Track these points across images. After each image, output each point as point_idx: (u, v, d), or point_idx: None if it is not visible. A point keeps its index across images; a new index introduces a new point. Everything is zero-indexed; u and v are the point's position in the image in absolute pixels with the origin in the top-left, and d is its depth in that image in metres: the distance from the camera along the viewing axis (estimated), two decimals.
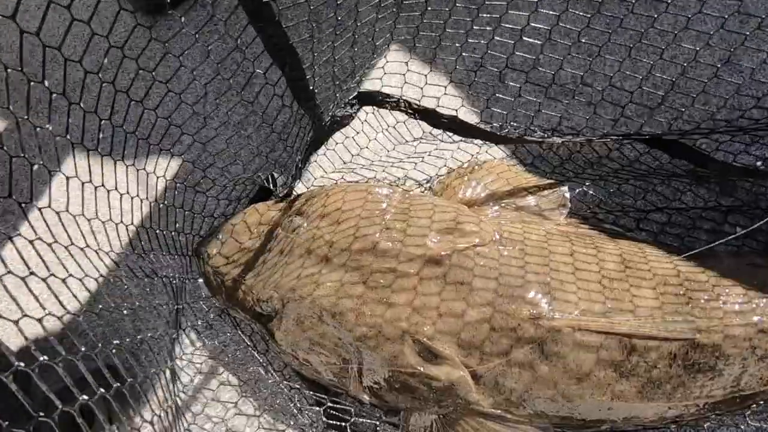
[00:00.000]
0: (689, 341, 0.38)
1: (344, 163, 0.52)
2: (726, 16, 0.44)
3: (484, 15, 0.46)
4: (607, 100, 0.49)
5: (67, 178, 0.34)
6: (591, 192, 0.49)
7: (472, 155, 0.52)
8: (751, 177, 0.49)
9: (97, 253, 0.36)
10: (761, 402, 0.40)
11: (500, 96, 0.51)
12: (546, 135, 0.48)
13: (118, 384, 0.32)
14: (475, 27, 0.47)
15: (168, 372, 0.43)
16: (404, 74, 0.51)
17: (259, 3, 0.35)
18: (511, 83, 0.52)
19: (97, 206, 0.37)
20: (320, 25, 0.44)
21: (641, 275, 0.42)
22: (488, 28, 0.49)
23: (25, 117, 0.28)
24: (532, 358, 0.39)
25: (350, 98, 0.50)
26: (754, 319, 0.39)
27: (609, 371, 0.39)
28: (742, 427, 0.41)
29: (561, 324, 0.39)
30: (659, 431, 0.42)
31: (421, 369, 0.40)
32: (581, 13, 0.43)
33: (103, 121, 0.35)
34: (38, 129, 0.29)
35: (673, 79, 0.44)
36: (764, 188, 0.49)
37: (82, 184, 0.35)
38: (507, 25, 0.46)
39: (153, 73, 0.38)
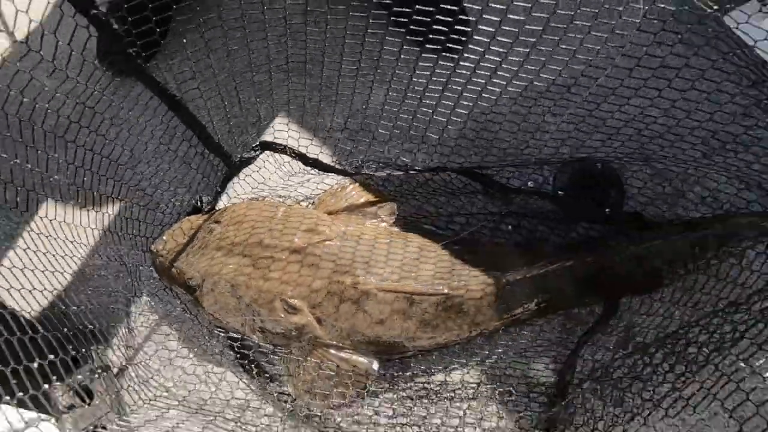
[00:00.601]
0: (445, 295, 0.63)
1: (252, 188, 0.77)
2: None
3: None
4: (432, 141, 0.73)
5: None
6: (415, 203, 0.74)
7: (337, 182, 0.77)
8: (518, 193, 0.74)
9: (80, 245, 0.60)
10: (488, 331, 0.64)
11: (361, 141, 0.76)
12: (380, 167, 0.72)
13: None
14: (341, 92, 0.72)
15: (125, 329, 0.67)
16: (286, 127, 0.76)
17: (172, 98, 0.59)
18: (371, 131, 0.77)
19: (79, 217, 0.61)
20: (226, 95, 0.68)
21: (428, 257, 0.66)
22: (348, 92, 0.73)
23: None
24: (354, 309, 0.64)
25: (255, 145, 0.75)
26: (489, 280, 0.64)
27: (398, 316, 0.63)
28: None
29: (369, 287, 0.63)
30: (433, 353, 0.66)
31: (284, 316, 0.64)
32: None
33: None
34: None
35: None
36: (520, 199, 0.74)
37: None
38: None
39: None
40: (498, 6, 0.49)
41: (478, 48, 0.56)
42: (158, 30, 0.58)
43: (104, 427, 0.53)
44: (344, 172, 0.73)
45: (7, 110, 0.48)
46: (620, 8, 0.49)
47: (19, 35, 0.46)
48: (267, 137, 0.76)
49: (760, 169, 0.57)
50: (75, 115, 0.58)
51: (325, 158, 0.75)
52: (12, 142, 0.51)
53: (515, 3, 0.48)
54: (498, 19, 0.49)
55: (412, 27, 0.56)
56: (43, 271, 0.56)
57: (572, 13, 0.47)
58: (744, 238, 0.57)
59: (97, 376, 0.60)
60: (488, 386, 0.66)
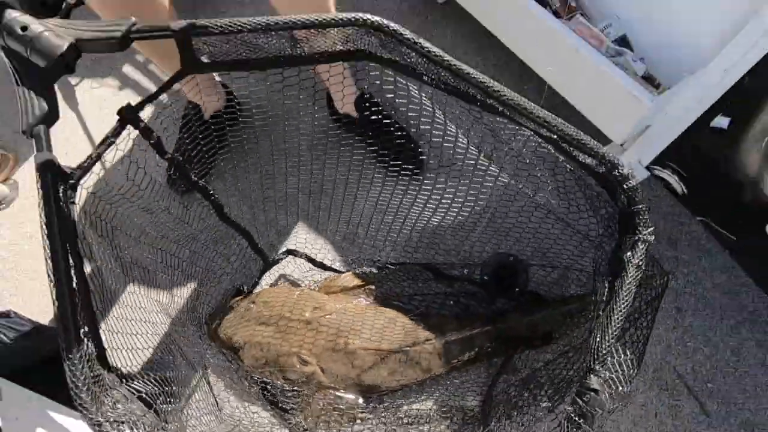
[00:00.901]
0: (406, 352, 0.96)
1: (278, 279, 1.11)
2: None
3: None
4: (399, 243, 1.10)
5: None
6: (387, 286, 1.09)
7: (334, 274, 1.12)
8: (457, 280, 1.09)
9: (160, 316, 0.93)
10: (436, 375, 0.97)
11: (348, 247, 1.12)
12: (362, 264, 1.08)
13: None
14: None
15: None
16: (303, 237, 1.12)
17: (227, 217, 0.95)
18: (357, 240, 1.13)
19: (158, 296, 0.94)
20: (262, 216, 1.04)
21: (395, 325, 1.00)
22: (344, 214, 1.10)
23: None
24: (346, 362, 0.96)
25: (283, 251, 1.11)
26: (436, 341, 0.97)
27: (375, 367, 0.96)
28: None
29: (356, 347, 0.96)
30: (399, 391, 0.98)
31: (299, 367, 0.96)
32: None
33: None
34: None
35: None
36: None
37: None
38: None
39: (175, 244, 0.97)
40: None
41: (427, 183, 0.94)
42: (209, 160, 0.94)
43: None
44: (338, 270, 1.09)
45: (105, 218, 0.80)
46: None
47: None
48: (290, 243, 1.12)
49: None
50: (150, 225, 0.92)
51: (326, 259, 1.11)
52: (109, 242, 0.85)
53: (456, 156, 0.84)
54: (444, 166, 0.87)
55: (387, 163, 0.94)
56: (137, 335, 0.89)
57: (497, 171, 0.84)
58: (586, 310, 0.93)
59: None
60: (437, 413, 0.97)
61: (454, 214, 0.98)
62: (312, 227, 1.16)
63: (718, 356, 0.99)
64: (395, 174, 1.04)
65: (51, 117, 0.50)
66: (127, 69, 1.55)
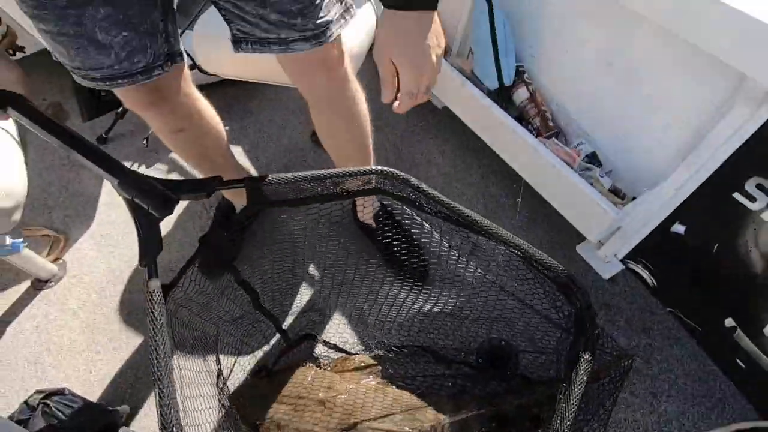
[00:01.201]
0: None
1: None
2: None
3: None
4: (403, 328, 1.24)
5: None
6: (391, 368, 1.22)
7: (344, 355, 1.26)
8: (454, 362, 1.22)
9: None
10: None
11: (359, 329, 1.26)
12: (370, 347, 1.22)
13: None
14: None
15: None
16: (318, 318, 1.27)
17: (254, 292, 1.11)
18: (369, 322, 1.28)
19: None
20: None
21: (399, 403, 1.12)
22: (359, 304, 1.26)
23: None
24: None
25: (302, 334, 1.25)
26: (435, 419, 1.08)
27: None
28: None
29: (365, 425, 1.07)
30: None
31: None
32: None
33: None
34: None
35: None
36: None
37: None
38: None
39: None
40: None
41: (428, 288, 1.10)
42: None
43: None
44: (348, 351, 1.23)
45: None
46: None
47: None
48: (308, 325, 1.28)
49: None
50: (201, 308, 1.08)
51: (339, 341, 1.25)
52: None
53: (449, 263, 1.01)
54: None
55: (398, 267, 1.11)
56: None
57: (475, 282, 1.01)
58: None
59: None
60: None
61: (451, 307, 1.14)
62: (328, 313, 1.31)
63: None
64: (402, 277, 1.21)
65: (158, 250, 0.68)
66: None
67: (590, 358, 0.74)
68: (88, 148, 0.68)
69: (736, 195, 1.06)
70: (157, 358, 0.58)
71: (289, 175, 0.74)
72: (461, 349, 1.25)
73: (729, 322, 1.16)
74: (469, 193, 1.55)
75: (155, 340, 0.60)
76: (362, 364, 1.22)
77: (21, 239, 1.35)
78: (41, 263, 1.46)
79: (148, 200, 0.67)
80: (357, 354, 1.25)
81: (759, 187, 1.03)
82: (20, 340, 1.40)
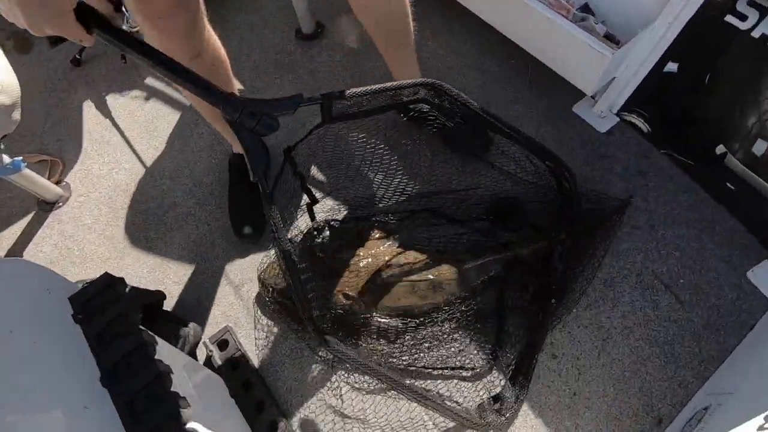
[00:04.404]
0: (431, 280, 1.16)
1: None
2: None
3: None
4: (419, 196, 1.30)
5: None
6: (411, 233, 1.29)
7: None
8: (468, 220, 1.29)
9: None
10: (457, 297, 1.17)
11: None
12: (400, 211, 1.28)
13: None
14: None
15: None
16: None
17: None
18: None
19: None
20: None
21: (420, 260, 1.19)
22: None
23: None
24: (384, 293, 1.15)
25: None
26: (454, 270, 1.17)
27: (408, 294, 1.15)
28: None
29: (392, 281, 1.15)
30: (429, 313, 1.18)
31: (344, 301, 1.15)
32: None
33: None
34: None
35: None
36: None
37: None
38: None
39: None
40: None
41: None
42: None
43: None
44: (367, 218, 1.28)
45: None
46: None
47: None
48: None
49: None
50: None
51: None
52: None
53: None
54: None
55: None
56: None
57: None
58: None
59: None
60: (460, 333, 1.18)
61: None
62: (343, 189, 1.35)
63: (687, 258, 1.20)
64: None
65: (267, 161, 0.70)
66: (150, 81, 1.73)
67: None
68: (193, 78, 0.68)
69: (728, 17, 1.08)
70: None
71: (362, 89, 0.84)
72: (474, 210, 1.32)
73: (720, 149, 1.23)
74: (471, 75, 1.55)
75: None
76: (380, 235, 1.28)
77: (20, 158, 1.33)
78: (46, 184, 1.45)
79: (252, 120, 0.71)
80: (375, 221, 1.30)
81: (750, 3, 1.04)
82: (41, 260, 1.43)
